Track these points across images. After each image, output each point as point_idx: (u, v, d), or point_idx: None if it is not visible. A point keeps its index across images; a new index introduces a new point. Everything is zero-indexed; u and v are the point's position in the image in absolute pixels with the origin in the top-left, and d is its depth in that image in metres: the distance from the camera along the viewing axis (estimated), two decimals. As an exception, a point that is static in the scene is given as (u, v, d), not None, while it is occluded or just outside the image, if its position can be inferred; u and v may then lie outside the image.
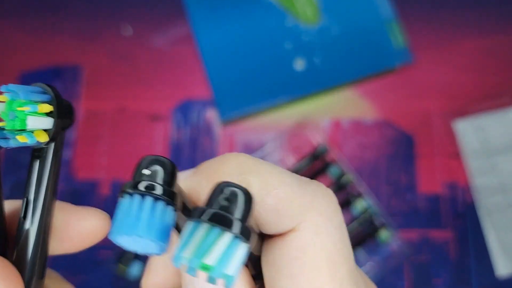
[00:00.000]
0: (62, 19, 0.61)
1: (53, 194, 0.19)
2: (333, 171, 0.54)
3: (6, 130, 0.17)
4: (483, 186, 0.54)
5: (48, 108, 0.17)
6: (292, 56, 0.58)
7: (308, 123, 0.56)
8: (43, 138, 0.17)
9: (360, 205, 0.52)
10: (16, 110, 0.17)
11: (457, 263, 0.52)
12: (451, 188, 0.55)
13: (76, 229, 0.20)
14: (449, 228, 0.53)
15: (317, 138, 0.56)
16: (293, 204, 0.18)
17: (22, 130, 0.17)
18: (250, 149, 0.57)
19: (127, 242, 0.15)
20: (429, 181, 0.55)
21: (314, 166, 0.55)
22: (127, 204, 0.15)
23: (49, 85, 0.18)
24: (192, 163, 0.56)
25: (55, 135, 0.18)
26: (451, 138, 0.56)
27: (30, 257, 0.18)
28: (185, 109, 0.58)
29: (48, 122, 0.17)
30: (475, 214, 0.54)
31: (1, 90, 0.17)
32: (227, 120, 0.56)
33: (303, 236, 0.17)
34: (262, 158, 0.56)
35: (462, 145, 0.56)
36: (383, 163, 0.56)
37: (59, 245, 0.20)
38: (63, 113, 0.18)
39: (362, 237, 0.52)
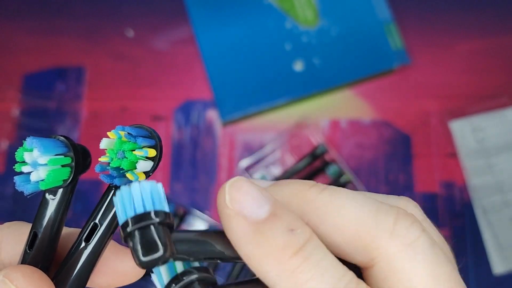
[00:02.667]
0: (65, 21, 0.61)
1: (117, 225, 0.19)
2: (332, 171, 0.54)
3: (109, 166, 0.18)
4: (479, 185, 0.55)
5: (153, 153, 0.18)
6: (291, 57, 0.58)
7: (307, 123, 0.57)
8: (142, 177, 0.18)
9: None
10: (128, 152, 0.17)
11: (454, 261, 0.53)
12: (448, 187, 0.55)
13: (113, 266, 0.21)
14: (446, 227, 0.54)
15: (316, 138, 0.57)
16: (370, 232, 0.17)
17: (122, 169, 0.18)
18: (250, 149, 0.57)
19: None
20: (427, 181, 0.56)
21: (313, 165, 0.55)
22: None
23: (152, 129, 0.19)
24: (193, 163, 0.57)
25: (148, 176, 0.18)
26: (448, 138, 0.57)
27: (74, 275, 0.19)
28: (186, 109, 0.58)
29: (149, 165, 0.18)
30: (472, 213, 0.54)
31: (119, 130, 0.18)
32: (228, 120, 0.57)
33: (388, 268, 0.17)
34: (263, 158, 0.56)
35: (459, 145, 0.56)
36: (381, 162, 0.56)
37: (93, 278, 0.20)
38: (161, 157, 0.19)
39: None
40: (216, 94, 0.57)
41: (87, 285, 0.20)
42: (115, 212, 0.19)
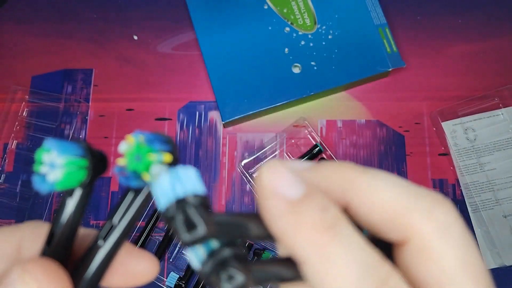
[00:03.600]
0: (73, 25, 0.62)
1: (134, 226, 0.20)
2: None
3: (125, 169, 0.18)
4: (471, 184, 0.56)
5: (169, 158, 0.18)
6: (290, 61, 0.59)
7: (305, 123, 0.58)
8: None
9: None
10: (143, 155, 0.18)
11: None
12: (441, 185, 0.57)
13: (127, 267, 0.21)
14: (439, 223, 0.55)
15: (313, 138, 0.58)
16: (407, 211, 0.18)
17: (137, 172, 0.18)
18: (250, 149, 0.58)
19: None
20: (420, 179, 0.57)
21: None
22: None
23: (170, 137, 0.19)
24: (196, 161, 0.58)
25: None
26: (440, 138, 0.58)
27: (90, 272, 0.19)
28: (189, 110, 0.59)
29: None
30: (464, 210, 0.55)
31: (137, 133, 0.18)
32: (229, 121, 0.57)
33: (421, 247, 0.18)
34: (262, 157, 0.57)
35: (451, 145, 0.57)
36: (375, 161, 0.57)
37: (107, 277, 0.21)
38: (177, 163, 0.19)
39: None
40: (218, 96, 0.58)
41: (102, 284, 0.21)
42: (132, 214, 0.20)
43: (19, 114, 0.59)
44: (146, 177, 0.18)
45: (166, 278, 0.54)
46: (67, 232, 0.20)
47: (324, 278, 0.17)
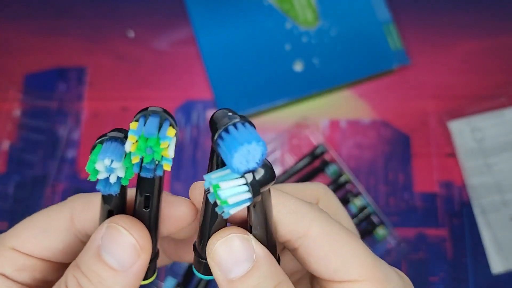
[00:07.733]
0: (66, 22, 0.61)
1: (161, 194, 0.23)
2: (331, 170, 0.54)
3: (144, 163, 0.20)
4: (478, 185, 0.55)
5: (173, 132, 0.20)
6: (291, 57, 0.58)
7: (307, 123, 0.57)
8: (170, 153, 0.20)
9: (357, 203, 0.53)
10: (154, 146, 0.19)
11: (454, 261, 0.53)
12: (447, 187, 0.56)
13: (169, 213, 0.24)
14: (445, 226, 0.54)
15: (316, 138, 0.57)
16: (301, 211, 0.22)
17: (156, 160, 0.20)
18: (250, 149, 0.57)
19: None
20: (426, 180, 0.56)
21: (313, 165, 0.55)
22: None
23: (161, 111, 0.20)
24: (193, 162, 0.57)
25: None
26: (447, 138, 0.57)
27: (152, 219, 0.22)
28: (186, 109, 0.59)
29: (173, 142, 0.20)
30: (471, 213, 0.54)
31: (133, 134, 0.19)
32: None
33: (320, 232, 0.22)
34: None
35: (457, 145, 0.56)
36: (380, 162, 0.57)
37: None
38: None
39: (359, 234, 0.53)
40: (216, 94, 0.57)
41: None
42: (159, 185, 0.22)
43: (12, 113, 0.59)
44: (167, 163, 0.19)
45: (164, 283, 0.53)
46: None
47: None
